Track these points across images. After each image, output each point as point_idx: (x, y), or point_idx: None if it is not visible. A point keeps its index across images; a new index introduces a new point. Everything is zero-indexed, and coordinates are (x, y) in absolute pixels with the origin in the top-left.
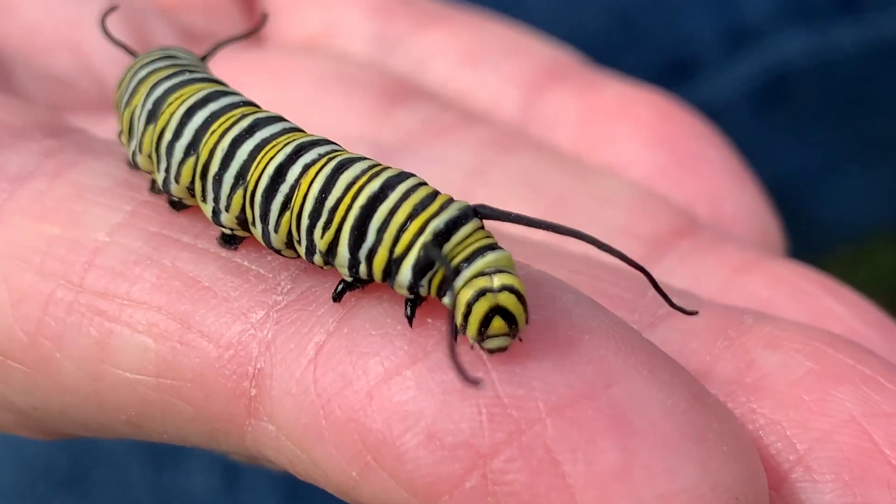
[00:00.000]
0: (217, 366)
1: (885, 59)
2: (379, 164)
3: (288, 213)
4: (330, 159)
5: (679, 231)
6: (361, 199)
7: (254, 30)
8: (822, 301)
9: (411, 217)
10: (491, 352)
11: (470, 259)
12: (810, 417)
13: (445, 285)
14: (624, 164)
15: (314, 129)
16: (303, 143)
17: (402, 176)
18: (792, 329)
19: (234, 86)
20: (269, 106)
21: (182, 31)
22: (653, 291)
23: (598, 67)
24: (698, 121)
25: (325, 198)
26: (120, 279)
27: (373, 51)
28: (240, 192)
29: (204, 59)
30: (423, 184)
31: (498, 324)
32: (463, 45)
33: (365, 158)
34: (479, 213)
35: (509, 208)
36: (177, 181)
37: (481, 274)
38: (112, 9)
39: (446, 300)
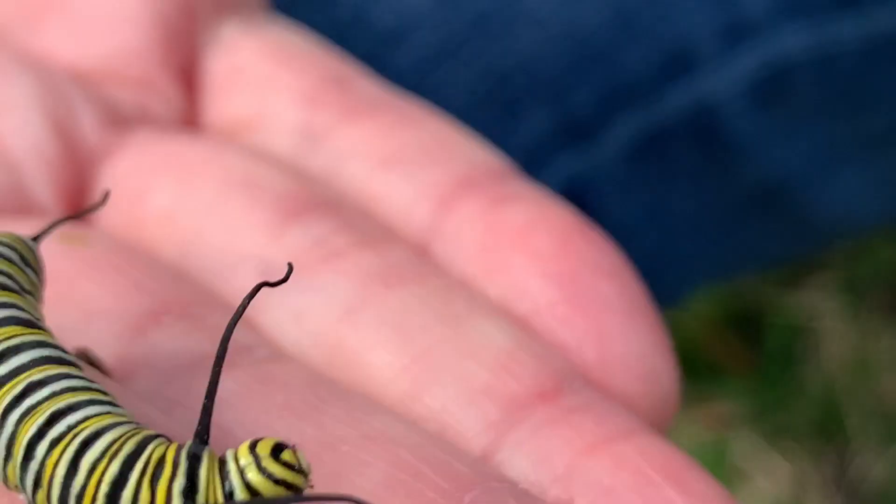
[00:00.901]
0: None
1: (885, 53)
2: (126, 433)
3: (41, 492)
4: (76, 436)
5: (542, 394)
6: (104, 487)
7: (87, 210)
8: (664, 493)
9: (154, 491)
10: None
11: (224, 479)
12: None
13: None
14: (516, 296)
15: (209, 245)
16: (55, 411)
17: (143, 444)
18: None
19: (138, 185)
20: (169, 212)
21: (107, 110)
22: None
23: (518, 176)
24: (604, 251)
25: (71, 483)
26: None
27: (295, 144)
28: (10, 466)
29: (36, 239)
30: (160, 444)
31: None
32: (386, 145)
33: (116, 426)
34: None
35: (374, 358)
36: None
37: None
38: None
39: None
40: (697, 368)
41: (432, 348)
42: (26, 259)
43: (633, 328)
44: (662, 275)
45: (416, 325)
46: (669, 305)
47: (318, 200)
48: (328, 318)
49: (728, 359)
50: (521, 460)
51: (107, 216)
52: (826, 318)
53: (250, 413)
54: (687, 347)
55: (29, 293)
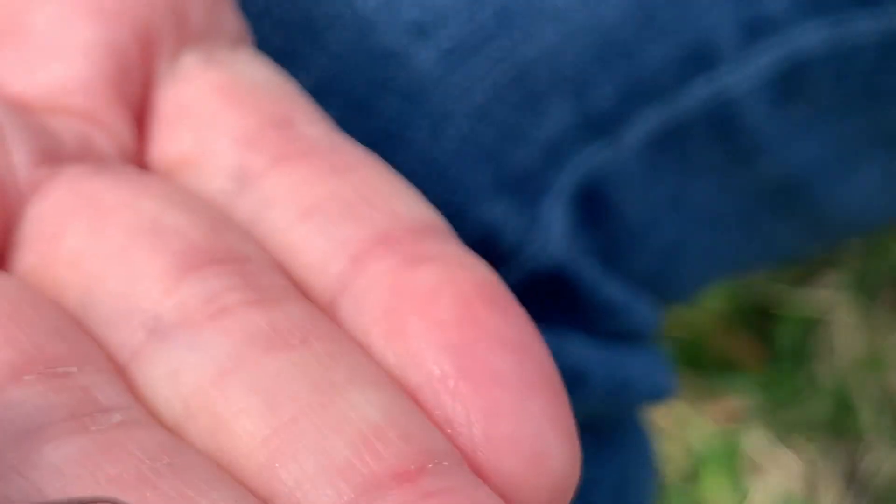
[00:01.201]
0: None
1: None
2: None
3: None
4: None
5: (402, 474)
6: None
7: None
8: None
9: None
10: None
11: None
12: None
13: None
14: (411, 365)
15: (107, 293)
16: None
17: None
18: None
19: (56, 224)
20: (77, 255)
21: (44, 144)
22: None
23: (442, 232)
24: (509, 320)
25: None
26: None
27: (225, 187)
28: None
29: None
30: None
31: None
32: (312, 193)
33: None
34: None
35: (238, 425)
36: None
37: None
38: None
39: None
40: (709, 363)
41: (298, 419)
42: None
43: (527, 405)
44: (680, 269)
45: (287, 393)
46: (686, 300)
47: (225, 253)
48: (201, 380)
49: (739, 353)
50: None
51: (23, 255)
52: (838, 313)
53: (78, 484)
54: (698, 342)
55: None
